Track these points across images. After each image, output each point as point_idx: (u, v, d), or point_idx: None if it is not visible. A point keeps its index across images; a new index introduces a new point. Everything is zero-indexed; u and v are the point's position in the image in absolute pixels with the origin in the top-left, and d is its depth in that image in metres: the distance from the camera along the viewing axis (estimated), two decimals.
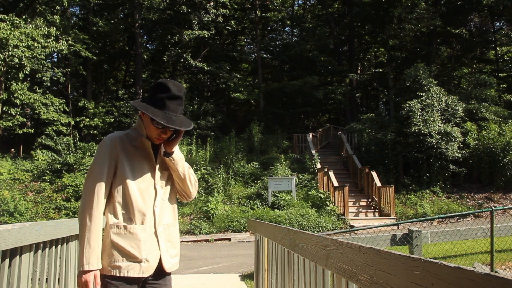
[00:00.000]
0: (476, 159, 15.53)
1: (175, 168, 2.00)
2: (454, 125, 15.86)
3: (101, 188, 1.88)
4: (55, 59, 23.26)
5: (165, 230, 2.00)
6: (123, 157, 1.94)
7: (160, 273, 1.98)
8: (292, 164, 16.66)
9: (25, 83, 17.59)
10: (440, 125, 15.26)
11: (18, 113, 17.79)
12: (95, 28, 21.50)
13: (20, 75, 16.36)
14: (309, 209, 13.14)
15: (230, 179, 15.52)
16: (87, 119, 19.73)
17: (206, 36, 20.49)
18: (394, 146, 16.28)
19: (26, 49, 15.23)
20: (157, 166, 2.00)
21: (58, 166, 15.67)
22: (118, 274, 1.86)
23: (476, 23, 24.89)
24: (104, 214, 1.94)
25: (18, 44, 14.83)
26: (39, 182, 15.47)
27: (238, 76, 23.54)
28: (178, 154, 2.01)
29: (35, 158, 16.74)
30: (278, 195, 13.91)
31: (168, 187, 2.05)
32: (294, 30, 29.64)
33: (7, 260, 1.98)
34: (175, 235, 2.07)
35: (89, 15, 21.67)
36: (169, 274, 2.04)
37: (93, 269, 1.80)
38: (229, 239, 12.37)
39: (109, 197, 1.94)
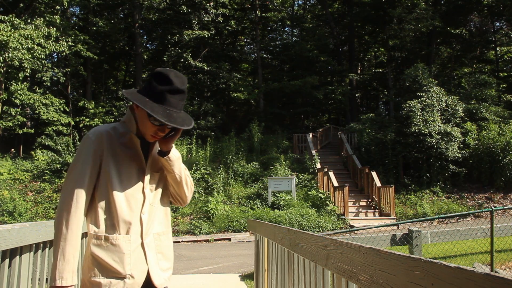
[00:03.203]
0: (476, 159, 15.54)
1: (170, 169, 1.77)
2: (454, 125, 15.86)
3: (81, 191, 1.62)
4: (55, 59, 23.28)
5: (155, 240, 1.75)
6: (108, 156, 1.69)
7: None
8: (292, 164, 16.66)
9: (25, 83, 17.60)
10: (440, 125, 15.26)
11: (18, 113, 17.81)
12: (95, 28, 21.51)
13: (20, 75, 16.37)
14: (309, 209, 13.14)
15: (230, 179, 15.52)
16: (87, 119, 19.74)
17: (206, 36, 20.49)
18: (394, 146, 16.28)
19: (26, 51, 15.24)
20: (147, 167, 1.76)
21: (58, 166, 15.68)
22: None
23: (476, 23, 24.89)
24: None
25: (17, 46, 14.83)
26: (39, 182, 15.48)
27: (238, 76, 23.55)
28: (175, 154, 1.77)
29: (35, 158, 16.75)
30: (278, 195, 13.91)
31: (159, 191, 1.80)
32: (294, 30, 29.64)
33: (7, 260, 1.98)
34: (167, 245, 1.81)
35: (89, 15, 21.68)
36: None
37: (66, 285, 1.54)
38: (229, 239, 12.37)
39: (91, 201, 1.68)
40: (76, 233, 1.59)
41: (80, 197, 1.62)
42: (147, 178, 1.75)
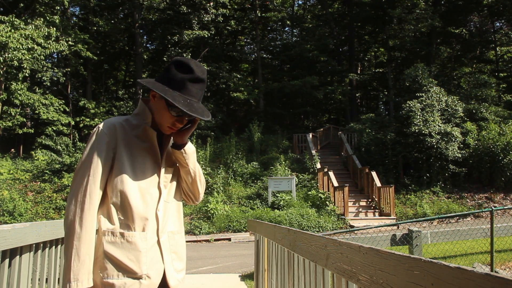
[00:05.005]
0: (476, 159, 15.53)
1: (185, 163, 1.68)
2: (454, 125, 15.87)
3: (94, 186, 1.52)
4: (55, 59, 23.29)
5: (170, 239, 1.66)
6: (122, 148, 1.59)
7: None
8: (292, 164, 16.66)
9: (24, 83, 17.61)
10: (440, 125, 15.26)
11: (18, 113, 17.80)
12: (95, 28, 21.53)
13: (20, 76, 16.37)
14: (309, 209, 13.14)
15: (230, 179, 15.52)
16: (87, 119, 19.74)
17: (206, 36, 20.49)
18: (394, 146, 16.28)
19: (25, 52, 15.23)
20: (162, 161, 1.68)
21: (58, 166, 15.69)
22: None
23: (476, 23, 24.89)
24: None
25: (17, 46, 14.82)
26: (39, 182, 15.48)
27: (238, 76, 23.56)
28: (190, 147, 1.70)
29: (35, 158, 16.75)
30: (278, 195, 13.92)
31: (173, 187, 1.72)
32: (294, 30, 29.65)
33: (7, 260, 1.98)
34: (181, 245, 1.72)
35: (89, 15, 21.69)
36: None
37: (82, 287, 1.45)
38: (229, 239, 12.37)
39: (103, 197, 1.57)
40: (90, 231, 1.49)
41: (94, 192, 1.52)
42: (162, 172, 1.66)
